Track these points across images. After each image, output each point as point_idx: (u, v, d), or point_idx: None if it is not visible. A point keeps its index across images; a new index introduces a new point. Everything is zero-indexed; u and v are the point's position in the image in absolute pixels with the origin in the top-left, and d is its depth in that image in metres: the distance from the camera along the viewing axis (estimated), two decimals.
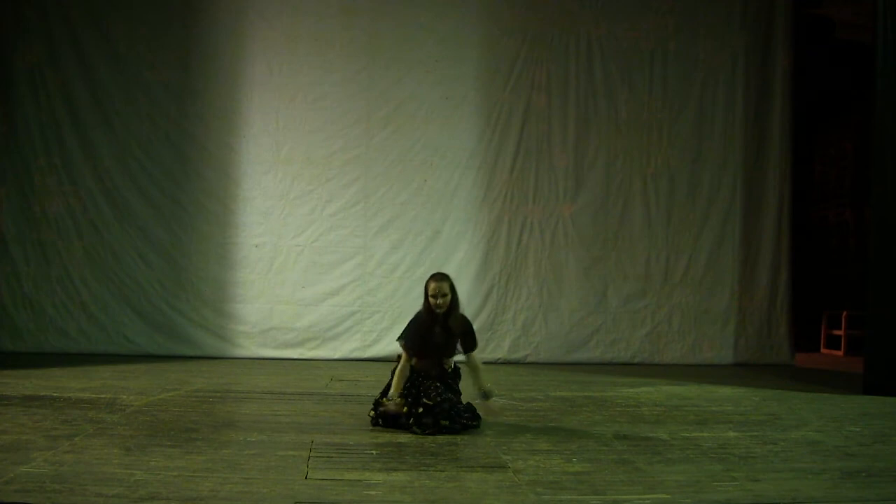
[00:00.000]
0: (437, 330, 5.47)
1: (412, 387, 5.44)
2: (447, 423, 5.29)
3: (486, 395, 5.55)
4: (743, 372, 9.61)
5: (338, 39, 10.03)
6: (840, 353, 12.19)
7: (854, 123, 13.15)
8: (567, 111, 10.34)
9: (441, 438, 5.15)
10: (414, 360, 5.52)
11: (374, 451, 4.81)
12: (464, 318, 5.61)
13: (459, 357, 5.67)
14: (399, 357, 5.56)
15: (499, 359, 10.02)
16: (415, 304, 5.53)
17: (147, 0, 9.80)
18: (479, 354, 5.65)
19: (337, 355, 9.85)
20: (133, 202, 9.74)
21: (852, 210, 13.41)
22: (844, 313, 12.13)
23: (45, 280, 9.60)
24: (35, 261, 9.61)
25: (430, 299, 5.44)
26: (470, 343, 5.57)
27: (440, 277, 5.51)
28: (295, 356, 9.80)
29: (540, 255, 10.28)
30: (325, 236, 9.98)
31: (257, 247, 9.91)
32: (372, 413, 5.52)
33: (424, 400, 5.33)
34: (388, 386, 5.54)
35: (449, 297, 5.45)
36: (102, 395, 6.45)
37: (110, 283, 9.68)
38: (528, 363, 10.03)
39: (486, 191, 10.21)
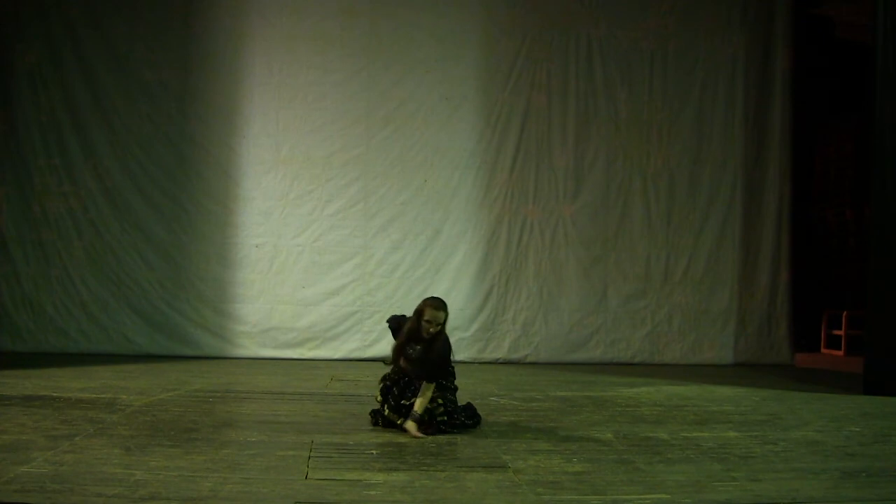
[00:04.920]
0: (416, 347, 5.36)
1: (407, 389, 5.41)
2: (444, 419, 5.29)
3: (412, 417, 5.27)
4: (743, 372, 9.61)
5: (338, 39, 10.03)
6: (840, 353, 12.18)
7: (854, 123, 13.14)
8: (567, 111, 10.33)
9: (441, 438, 5.15)
10: (403, 361, 5.46)
11: (374, 451, 4.81)
12: (443, 349, 5.36)
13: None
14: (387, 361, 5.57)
15: (499, 359, 10.02)
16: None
17: (147, 0, 9.80)
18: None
19: (337, 355, 9.85)
20: (133, 202, 9.74)
21: (852, 210, 13.41)
22: (845, 313, 12.12)
23: (45, 280, 9.59)
24: (35, 261, 9.61)
25: (424, 323, 5.29)
26: (431, 374, 5.30)
27: (439, 306, 5.33)
28: (295, 356, 9.79)
29: (540, 255, 10.27)
30: (325, 236, 9.98)
31: (257, 247, 9.91)
32: (378, 396, 5.54)
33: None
34: (382, 389, 5.54)
35: (440, 327, 5.31)
36: (102, 395, 6.45)
37: (110, 283, 9.67)
38: (528, 363, 10.02)
39: (486, 191, 10.21)
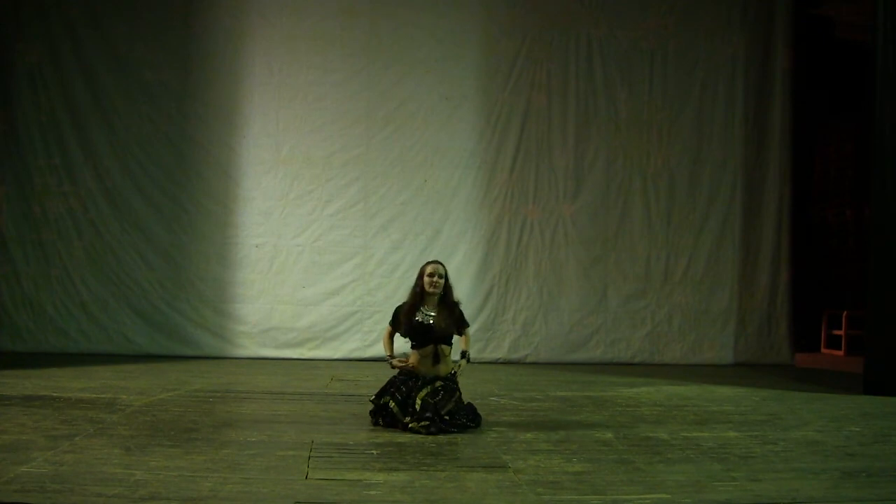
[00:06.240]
0: (424, 311, 5.58)
1: (410, 389, 5.44)
2: (447, 419, 5.30)
3: (463, 356, 5.69)
4: (743, 372, 9.61)
5: (338, 39, 10.04)
6: (840, 353, 12.18)
7: (854, 123, 13.13)
8: (567, 111, 10.34)
9: (441, 438, 5.15)
10: (412, 358, 5.56)
11: (374, 451, 4.81)
12: (455, 303, 5.74)
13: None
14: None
15: (499, 359, 10.02)
16: None
17: (147, 0, 9.81)
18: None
19: (337, 355, 9.85)
20: (133, 202, 9.74)
21: (852, 210, 13.41)
22: (845, 313, 12.12)
23: (45, 280, 9.60)
24: (35, 261, 9.61)
25: (427, 278, 5.58)
26: (462, 325, 5.78)
27: (436, 261, 5.74)
28: (295, 356, 9.80)
29: (540, 255, 10.28)
30: (325, 236, 9.99)
31: (257, 247, 9.91)
32: (373, 401, 5.60)
33: (423, 399, 5.34)
34: (382, 390, 5.56)
35: (444, 280, 5.62)
36: (102, 395, 6.45)
37: (110, 283, 9.68)
38: (528, 363, 10.02)
39: (486, 191, 10.22)
